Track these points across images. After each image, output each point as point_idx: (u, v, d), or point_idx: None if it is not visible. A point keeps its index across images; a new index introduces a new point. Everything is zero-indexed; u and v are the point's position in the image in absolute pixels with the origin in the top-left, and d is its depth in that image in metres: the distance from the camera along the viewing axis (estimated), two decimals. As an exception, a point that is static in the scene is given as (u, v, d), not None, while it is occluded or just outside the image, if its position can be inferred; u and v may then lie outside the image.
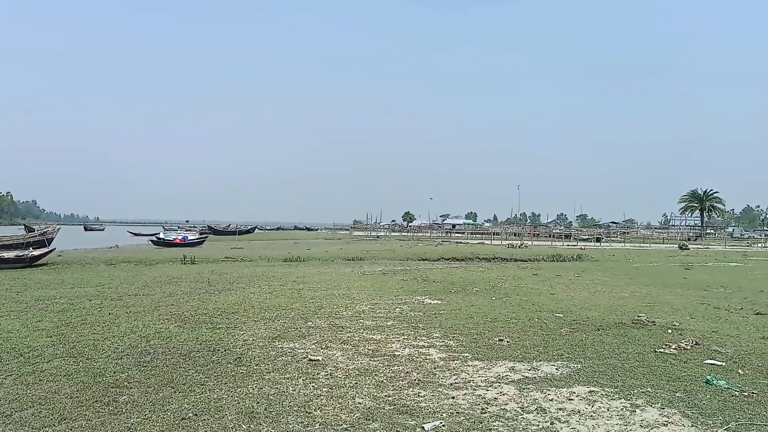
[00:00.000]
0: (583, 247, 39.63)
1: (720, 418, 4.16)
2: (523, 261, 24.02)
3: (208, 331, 7.18)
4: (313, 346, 6.41)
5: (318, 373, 5.29)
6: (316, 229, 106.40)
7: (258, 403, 4.41)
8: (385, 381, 5.08)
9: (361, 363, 5.71)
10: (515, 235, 66.93)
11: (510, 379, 5.17)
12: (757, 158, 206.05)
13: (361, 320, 8.13)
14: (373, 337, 6.99)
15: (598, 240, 57.73)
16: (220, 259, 22.32)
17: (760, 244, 56.42)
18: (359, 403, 4.46)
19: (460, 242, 48.01)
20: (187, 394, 4.60)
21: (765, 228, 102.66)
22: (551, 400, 4.59)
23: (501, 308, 9.36)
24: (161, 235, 43.73)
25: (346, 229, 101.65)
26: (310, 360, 5.75)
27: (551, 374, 5.36)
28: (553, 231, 73.65)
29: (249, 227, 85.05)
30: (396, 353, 6.15)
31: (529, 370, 5.52)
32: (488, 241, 51.23)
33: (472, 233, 77.13)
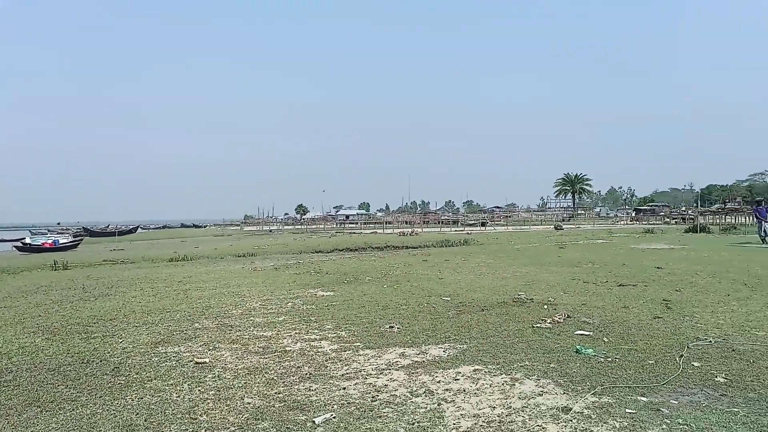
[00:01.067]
0: (469, 232, 41.51)
1: (588, 383, 4.53)
2: (414, 248, 24.67)
3: (81, 341, 6.62)
4: (200, 349, 6.14)
5: (205, 376, 5.08)
6: (205, 226, 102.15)
7: (137, 414, 4.15)
8: (275, 378, 4.99)
9: (250, 362, 5.56)
10: (406, 223, 68.62)
11: (400, 365, 5.29)
12: (620, 144, 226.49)
13: (252, 318, 7.93)
14: (264, 334, 6.84)
15: (483, 224, 60.73)
16: (98, 263, 20.73)
17: (622, 222, 62.33)
18: (248, 403, 4.34)
19: (354, 232, 48.39)
20: (55, 413, 4.22)
21: (627, 207, 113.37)
22: (439, 381, 4.75)
23: (392, 296, 9.55)
24: (27, 240, 39.83)
25: (237, 225, 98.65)
26: (197, 363, 5.51)
27: (439, 357, 5.55)
28: (442, 218, 76.43)
29: (131, 227, 79.92)
30: (287, 348, 6.06)
31: (418, 354, 5.68)
32: (381, 231, 52.07)
33: (365, 223, 77.99)
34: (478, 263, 15.46)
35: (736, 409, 3.88)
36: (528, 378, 4.75)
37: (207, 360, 5.61)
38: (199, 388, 4.73)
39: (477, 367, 5.15)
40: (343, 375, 5.03)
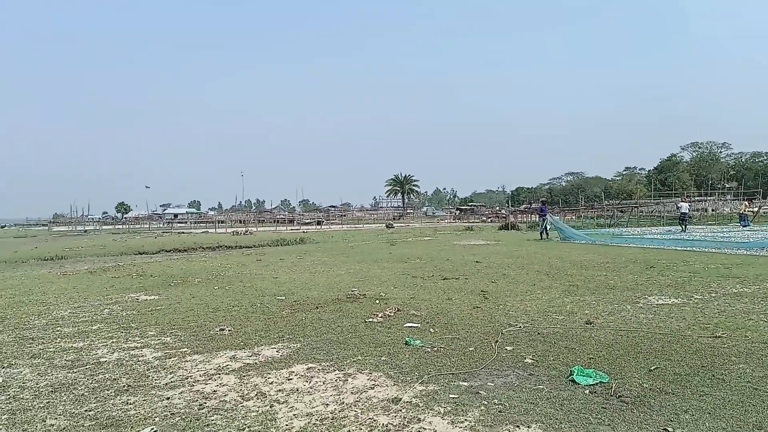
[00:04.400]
0: (305, 231, 41.53)
1: (416, 373, 4.74)
2: (248, 247, 24.00)
3: None
4: (-10, 367, 5.27)
5: (-5, 399, 4.36)
6: (2, 226, 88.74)
7: None
8: (86, 393, 4.45)
9: (56, 377, 4.90)
10: (240, 222, 66.62)
11: (230, 369, 5.05)
12: (444, 148, 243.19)
13: (59, 328, 7.02)
14: (74, 345, 6.09)
15: (319, 223, 61.23)
16: None
17: (446, 221, 67.10)
18: (51, 425, 3.81)
19: (183, 232, 45.70)
20: None
21: (450, 206, 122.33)
22: (271, 383, 4.62)
23: (223, 297, 9.14)
24: None
25: (45, 225, 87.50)
26: (-15, 385, 4.71)
27: (272, 357, 5.41)
28: (278, 216, 75.51)
29: None
30: (102, 360, 5.46)
31: (251, 356, 5.48)
32: (213, 230, 49.87)
33: (196, 222, 74.17)
34: (313, 261, 15.50)
35: (541, 386, 4.34)
36: (360, 372, 4.83)
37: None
38: (-12, 414, 4.04)
39: (311, 365, 5.11)
40: (167, 384, 4.66)
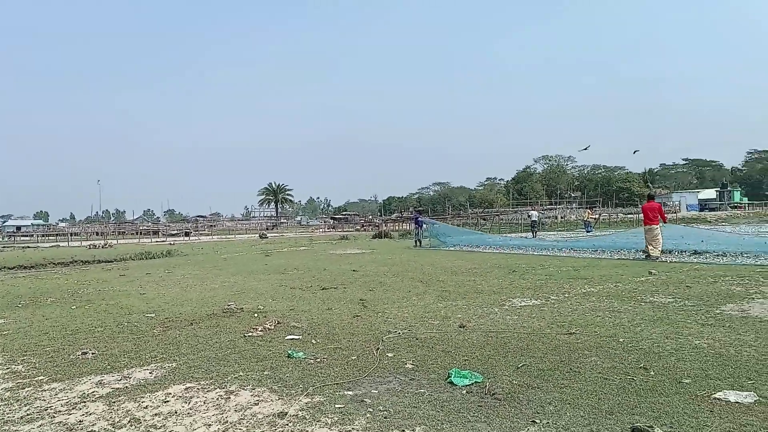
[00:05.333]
0: (172, 243, 39.32)
1: (300, 386, 4.72)
2: (109, 262, 22.20)
3: None
4: None
5: None
6: None
7: None
8: None
9: None
10: (98, 234, 61.65)
11: (98, 395, 4.67)
12: (317, 158, 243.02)
13: None
14: None
15: (186, 234, 58.25)
16: None
17: (321, 230, 67.17)
18: None
19: (29, 246, 41.21)
20: None
21: (324, 216, 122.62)
22: (146, 407, 4.35)
23: (83, 317, 8.40)
24: None
25: None
26: None
27: (145, 379, 5.08)
28: (141, 228, 70.66)
29: None
30: (-63, 396, 4.77)
31: (120, 380, 5.10)
32: (65, 243, 45.50)
33: (44, 235, 67.18)
34: (183, 275, 14.75)
35: (422, 390, 4.54)
36: (243, 389, 4.71)
37: None
38: None
39: (189, 384, 4.88)
40: (22, 417, 4.20)
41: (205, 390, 4.72)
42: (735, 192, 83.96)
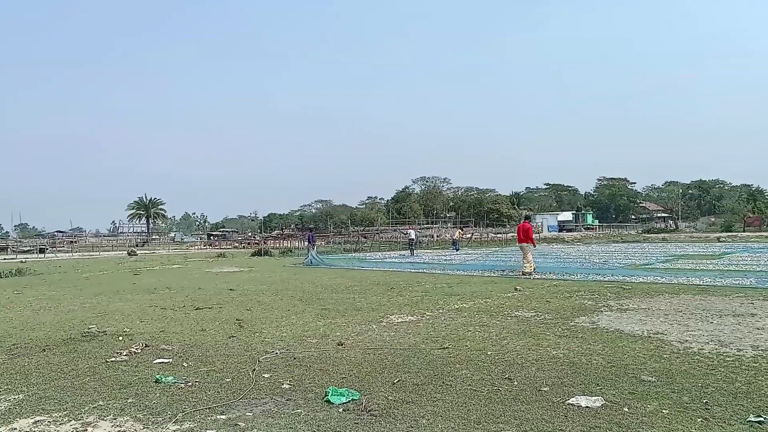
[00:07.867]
0: (24, 260, 35.42)
1: (169, 412, 4.46)
2: (-58, 282, 19.46)
3: None
4: None
5: None
6: None
7: None
8: None
9: None
10: (-71, 250, 54.01)
11: (-77, 436, 4.07)
12: (195, 172, 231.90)
13: None
14: None
15: (41, 251, 52.77)
16: None
17: (196, 247, 64.25)
18: None
19: None
20: None
21: (200, 232, 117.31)
22: (-15, 446, 3.86)
23: None
24: None
25: None
26: None
27: (-16, 415, 4.52)
28: (-16, 243, 62.81)
29: None
30: None
31: (-47, 417, 4.49)
32: None
33: None
34: (36, 296, 13.35)
35: (299, 410, 4.48)
36: (102, 419, 4.35)
37: None
38: None
39: (39, 417, 4.41)
40: None
41: (58, 423, 4.29)
42: (588, 215, 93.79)
